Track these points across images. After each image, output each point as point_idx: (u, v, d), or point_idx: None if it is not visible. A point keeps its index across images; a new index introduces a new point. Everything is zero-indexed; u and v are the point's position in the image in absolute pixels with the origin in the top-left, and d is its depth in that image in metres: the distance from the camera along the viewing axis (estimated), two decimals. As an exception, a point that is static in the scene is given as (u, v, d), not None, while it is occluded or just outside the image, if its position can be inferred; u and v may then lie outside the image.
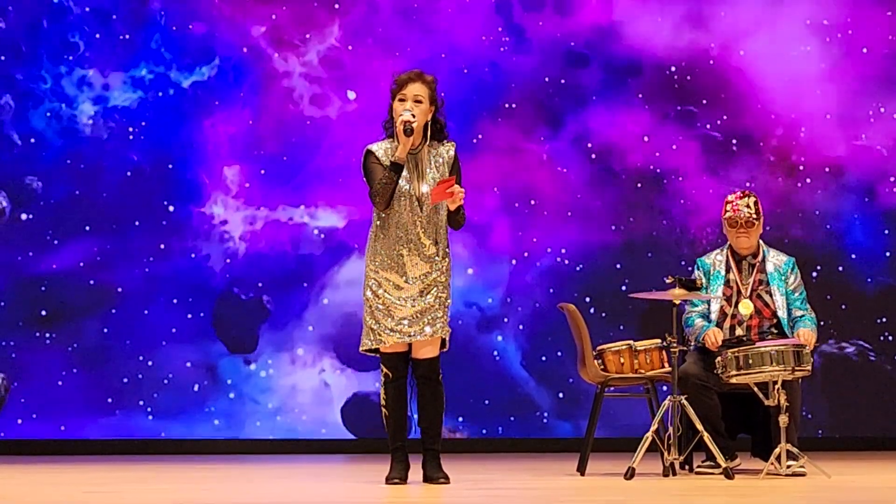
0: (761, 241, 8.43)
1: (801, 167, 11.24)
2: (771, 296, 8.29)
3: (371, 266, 7.37)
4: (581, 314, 8.32)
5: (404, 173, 7.33)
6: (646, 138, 11.23)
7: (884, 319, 11.20)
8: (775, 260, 8.37)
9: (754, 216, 8.26)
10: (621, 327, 10.80)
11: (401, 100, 7.37)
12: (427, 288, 7.33)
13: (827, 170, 11.24)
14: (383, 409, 7.39)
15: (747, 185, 11.05)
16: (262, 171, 11.10)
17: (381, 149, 7.41)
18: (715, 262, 8.40)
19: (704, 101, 11.25)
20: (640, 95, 11.23)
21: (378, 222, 7.39)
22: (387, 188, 7.27)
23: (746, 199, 8.28)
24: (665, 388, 8.16)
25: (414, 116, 7.30)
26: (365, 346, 7.39)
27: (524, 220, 11.15)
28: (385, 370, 7.37)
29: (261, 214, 11.07)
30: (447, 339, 7.39)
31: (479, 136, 11.14)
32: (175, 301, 10.99)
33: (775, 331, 8.27)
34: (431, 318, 7.32)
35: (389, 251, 7.34)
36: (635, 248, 11.14)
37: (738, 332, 8.28)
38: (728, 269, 8.35)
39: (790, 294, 8.32)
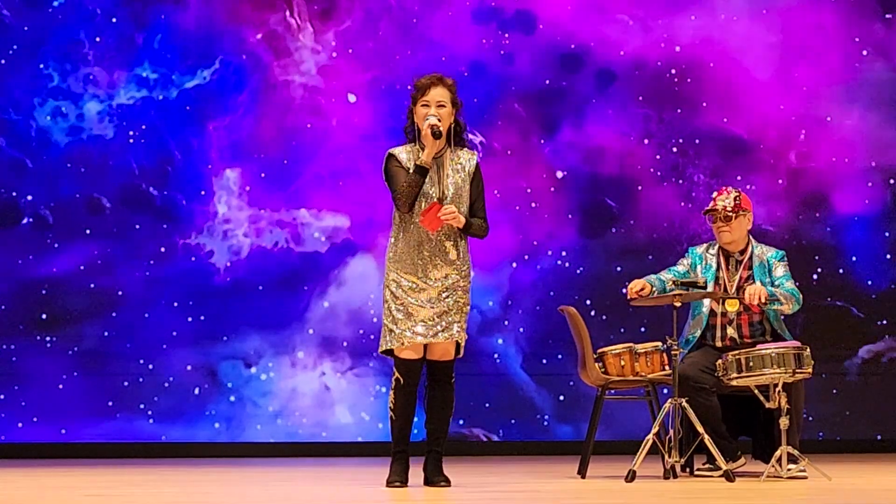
0: (750, 238, 8.43)
1: (801, 169, 11.24)
2: None
3: (392, 267, 7.37)
4: (581, 317, 8.32)
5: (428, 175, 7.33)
6: (645, 140, 11.23)
7: (884, 322, 11.20)
8: (761, 254, 8.38)
9: (731, 210, 8.27)
10: (622, 330, 10.80)
11: (424, 105, 7.35)
12: (447, 291, 7.33)
13: (827, 171, 11.24)
14: (391, 413, 7.38)
15: (748, 187, 11.06)
16: (263, 175, 11.10)
17: (403, 152, 7.40)
18: (706, 255, 8.41)
19: (704, 104, 11.25)
20: (640, 98, 11.23)
21: (400, 224, 7.39)
22: (412, 191, 7.27)
23: (727, 194, 8.33)
24: (666, 390, 8.16)
25: (440, 120, 7.30)
26: (383, 346, 7.39)
27: (524, 223, 11.15)
28: (397, 375, 7.35)
29: (261, 218, 11.07)
30: (462, 344, 7.40)
31: (480, 139, 11.14)
32: (175, 304, 10.99)
33: (767, 325, 8.27)
34: (448, 322, 7.34)
35: (411, 253, 7.33)
36: (635, 251, 11.14)
37: (730, 331, 8.29)
38: (718, 267, 8.36)
39: (775, 280, 8.31)
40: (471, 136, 11.02)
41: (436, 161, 7.39)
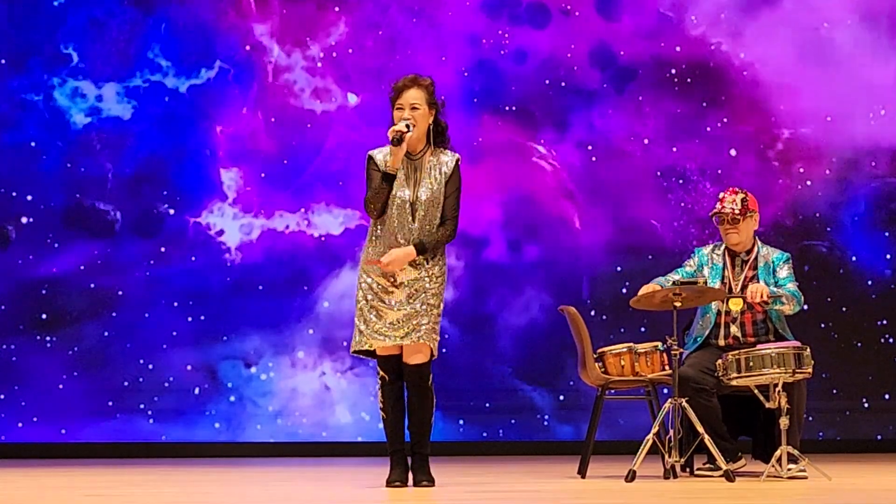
0: (757, 239, 8.44)
1: (802, 170, 11.24)
2: None
3: (364, 269, 7.38)
4: (582, 317, 8.31)
5: (401, 179, 7.31)
6: (646, 140, 11.23)
7: (884, 322, 11.19)
8: (766, 254, 8.39)
9: (739, 212, 8.28)
10: (622, 330, 10.80)
11: (398, 108, 7.31)
12: (415, 293, 7.30)
13: (827, 172, 11.24)
14: (381, 413, 7.40)
15: (742, 189, 11.04)
16: (262, 175, 11.10)
17: (381, 154, 7.37)
18: (712, 256, 8.42)
19: (705, 104, 11.25)
20: (641, 98, 11.23)
21: (374, 226, 7.38)
22: (378, 197, 7.25)
23: (734, 195, 8.33)
24: (666, 390, 8.16)
25: (409, 127, 7.23)
26: (353, 347, 7.40)
27: (525, 222, 11.14)
28: (381, 373, 7.37)
29: (261, 217, 11.07)
30: (434, 347, 7.33)
31: (480, 139, 11.14)
32: (175, 304, 10.99)
33: (770, 325, 8.28)
34: (416, 324, 7.30)
35: (380, 255, 7.33)
36: (636, 251, 11.14)
37: (734, 329, 8.30)
38: (724, 266, 8.38)
39: (779, 281, 8.32)
40: (471, 135, 11.05)
41: (413, 163, 7.35)
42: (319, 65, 11.16)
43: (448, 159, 7.38)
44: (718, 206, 8.36)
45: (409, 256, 7.25)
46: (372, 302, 7.31)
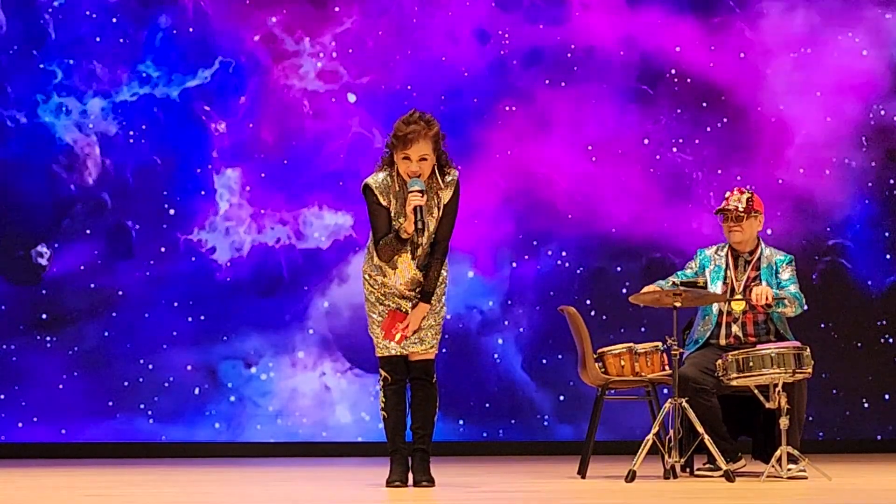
0: (760, 240, 8.46)
1: (802, 169, 11.25)
2: None
3: (369, 281, 7.38)
4: (581, 317, 8.31)
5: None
6: (646, 140, 11.23)
7: (884, 322, 11.19)
8: (770, 255, 8.41)
9: (743, 210, 8.31)
10: (622, 330, 10.80)
11: (405, 158, 7.17)
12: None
13: (827, 172, 11.25)
14: (382, 413, 7.40)
15: (749, 187, 11.04)
16: (263, 175, 11.10)
17: (378, 183, 7.27)
18: (715, 257, 8.44)
19: (705, 104, 11.25)
20: (641, 98, 11.23)
21: (371, 251, 7.38)
22: (391, 253, 7.24)
23: (740, 194, 8.38)
24: (666, 390, 8.16)
25: (423, 194, 7.12)
26: (379, 353, 7.42)
27: (524, 223, 11.14)
28: (384, 374, 7.38)
29: (261, 218, 11.07)
30: (436, 344, 7.42)
31: (480, 139, 11.13)
32: (175, 304, 10.99)
33: (771, 325, 8.29)
34: (423, 335, 7.36)
35: (380, 277, 7.37)
36: (636, 251, 11.14)
37: (735, 329, 8.30)
38: (727, 266, 8.40)
39: (781, 282, 8.34)
40: (471, 135, 11.05)
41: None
42: (320, 65, 11.15)
43: (448, 181, 7.30)
44: (724, 202, 8.40)
45: (425, 310, 7.31)
46: (383, 315, 7.34)
